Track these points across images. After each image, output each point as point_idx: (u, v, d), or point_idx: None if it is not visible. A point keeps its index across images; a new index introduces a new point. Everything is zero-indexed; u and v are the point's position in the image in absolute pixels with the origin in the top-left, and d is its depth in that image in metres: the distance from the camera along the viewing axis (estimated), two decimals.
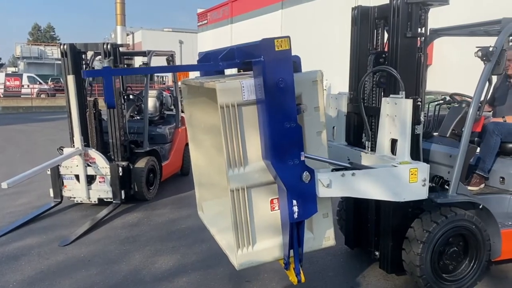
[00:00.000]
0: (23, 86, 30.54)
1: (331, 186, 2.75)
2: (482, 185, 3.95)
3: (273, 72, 2.43)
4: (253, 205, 2.65)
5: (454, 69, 14.22)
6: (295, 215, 2.54)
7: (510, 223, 3.72)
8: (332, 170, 2.87)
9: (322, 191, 2.74)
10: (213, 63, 2.83)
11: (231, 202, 2.56)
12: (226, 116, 2.49)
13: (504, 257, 3.69)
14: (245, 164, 2.58)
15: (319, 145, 2.78)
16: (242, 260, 2.63)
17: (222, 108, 2.47)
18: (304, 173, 2.61)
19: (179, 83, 3.50)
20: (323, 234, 2.87)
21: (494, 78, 3.94)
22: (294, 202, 2.55)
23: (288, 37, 2.47)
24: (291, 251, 2.71)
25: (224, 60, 2.78)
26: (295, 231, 2.63)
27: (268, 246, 2.71)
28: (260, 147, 2.61)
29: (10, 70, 46.09)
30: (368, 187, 2.89)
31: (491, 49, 3.30)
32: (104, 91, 2.69)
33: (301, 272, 2.76)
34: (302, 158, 2.57)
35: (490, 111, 4.38)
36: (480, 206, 3.48)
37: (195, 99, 3.38)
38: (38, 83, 31.57)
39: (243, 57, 2.72)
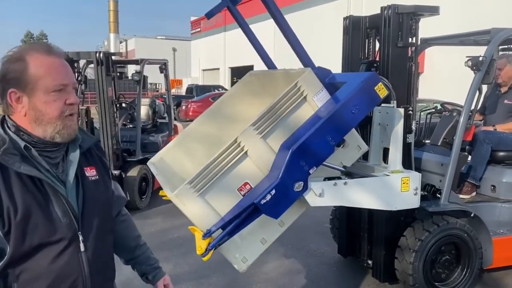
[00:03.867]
0: None
1: (324, 195, 2.74)
2: (474, 193, 3.97)
3: (358, 98, 2.62)
4: (233, 168, 2.58)
5: (445, 77, 14.36)
6: (262, 201, 2.46)
7: (501, 231, 3.74)
8: (325, 179, 2.87)
9: (314, 200, 2.74)
10: (311, 64, 2.90)
11: (223, 148, 2.54)
12: (289, 94, 2.61)
13: (496, 265, 3.70)
14: (262, 137, 2.61)
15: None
16: (183, 195, 2.47)
17: (295, 85, 2.61)
18: (301, 182, 2.61)
19: (248, 74, 3.49)
20: (245, 253, 2.70)
21: (485, 87, 3.99)
22: (273, 192, 2.48)
23: (388, 93, 2.75)
24: (221, 231, 2.51)
25: (319, 69, 2.86)
26: (244, 214, 2.50)
27: (204, 210, 2.55)
28: (280, 142, 2.64)
29: None
30: (360, 196, 2.88)
31: (481, 58, 3.33)
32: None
33: (211, 252, 2.52)
34: (311, 172, 2.60)
35: (480, 120, 4.42)
36: (472, 215, 3.50)
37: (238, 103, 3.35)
38: None
39: (335, 80, 2.89)
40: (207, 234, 2.45)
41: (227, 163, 2.56)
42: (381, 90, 2.69)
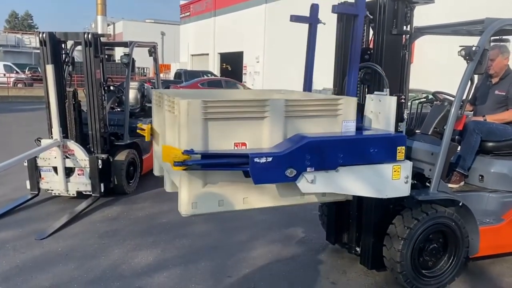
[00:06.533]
0: None
1: (315, 182, 2.75)
2: (462, 183, 4.00)
3: (380, 143, 2.93)
4: (244, 120, 2.65)
5: (434, 68, 14.45)
6: (256, 159, 2.54)
7: (488, 220, 3.78)
8: None
9: (306, 187, 2.74)
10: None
11: (244, 97, 2.71)
12: (327, 103, 2.92)
13: (482, 253, 3.75)
14: (285, 117, 2.73)
15: None
16: (192, 107, 2.51)
17: (336, 99, 2.94)
18: (295, 171, 2.66)
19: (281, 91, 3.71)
20: (199, 200, 2.64)
21: (476, 78, 3.99)
22: (270, 159, 2.57)
23: (404, 161, 3.05)
24: (199, 158, 2.52)
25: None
26: (231, 159, 2.59)
27: (198, 132, 2.55)
28: (292, 132, 2.79)
29: None
30: (351, 183, 2.89)
31: (474, 48, 3.33)
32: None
33: (182, 168, 2.50)
34: (308, 170, 2.71)
35: (471, 111, 4.44)
36: (460, 204, 3.53)
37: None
38: (15, 72, 30.78)
39: (364, 128, 3.24)
40: (189, 152, 2.50)
41: (244, 112, 2.64)
42: (400, 153, 2.97)
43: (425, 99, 4.35)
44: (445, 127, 3.52)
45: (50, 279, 3.61)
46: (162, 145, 2.76)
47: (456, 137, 3.91)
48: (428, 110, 4.33)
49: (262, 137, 2.70)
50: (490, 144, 3.94)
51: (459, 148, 3.94)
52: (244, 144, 2.69)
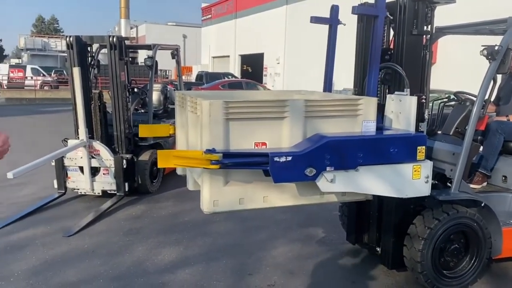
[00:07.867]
0: (26, 77, 30.54)
1: (335, 181, 2.77)
2: (484, 184, 3.96)
3: (400, 143, 2.95)
4: (264, 120, 2.70)
5: (457, 68, 14.21)
6: (275, 158, 2.58)
7: (511, 221, 3.73)
8: None
9: (326, 186, 2.77)
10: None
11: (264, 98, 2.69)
12: (346, 103, 2.94)
13: (505, 255, 3.71)
14: (305, 117, 2.77)
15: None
16: (214, 108, 2.57)
17: (356, 100, 2.96)
18: (314, 170, 2.70)
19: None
20: (220, 197, 2.69)
21: (499, 78, 3.95)
22: (289, 158, 2.61)
23: (425, 160, 3.04)
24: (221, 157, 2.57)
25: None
26: (252, 158, 2.62)
27: (219, 132, 2.60)
28: (312, 132, 2.83)
29: (14, 61, 46.07)
30: (371, 182, 2.91)
31: (496, 48, 3.30)
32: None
33: (218, 166, 2.53)
34: (327, 169, 2.74)
35: (494, 112, 4.38)
36: (482, 204, 3.49)
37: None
38: (41, 75, 31.59)
39: (384, 128, 3.25)
40: (211, 151, 2.55)
41: (264, 113, 2.70)
42: (421, 153, 2.98)
43: (446, 99, 4.31)
44: (466, 127, 3.50)
45: (78, 274, 3.74)
46: (158, 150, 2.81)
47: (479, 137, 3.88)
48: (450, 110, 4.30)
49: (282, 137, 2.75)
50: None
51: (481, 149, 3.91)
52: (264, 143, 2.74)
